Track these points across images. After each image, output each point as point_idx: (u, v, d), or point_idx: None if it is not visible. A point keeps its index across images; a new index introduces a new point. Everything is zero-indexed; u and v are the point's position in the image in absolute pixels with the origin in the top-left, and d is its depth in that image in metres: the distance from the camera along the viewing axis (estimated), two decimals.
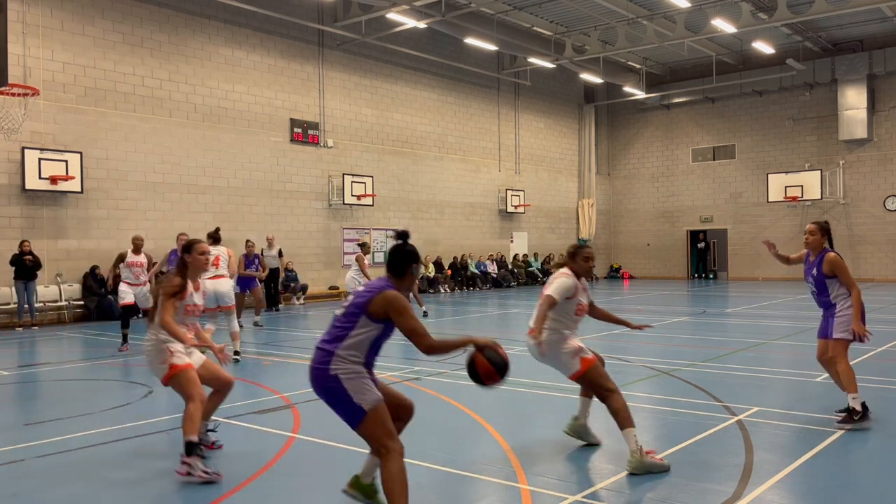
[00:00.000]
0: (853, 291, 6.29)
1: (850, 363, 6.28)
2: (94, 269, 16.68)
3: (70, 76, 16.69)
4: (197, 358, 5.49)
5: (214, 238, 10.46)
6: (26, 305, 15.09)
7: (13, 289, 15.42)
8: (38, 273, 15.21)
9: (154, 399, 7.76)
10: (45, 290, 16.03)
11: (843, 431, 6.04)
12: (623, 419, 5.15)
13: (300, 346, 12.04)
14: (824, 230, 6.55)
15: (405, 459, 3.93)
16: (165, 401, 7.63)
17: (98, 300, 16.62)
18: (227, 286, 10.06)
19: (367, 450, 4.96)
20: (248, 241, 15.51)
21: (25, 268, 14.86)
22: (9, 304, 15.58)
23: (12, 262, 14.85)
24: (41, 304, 15.86)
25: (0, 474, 5.29)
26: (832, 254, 6.42)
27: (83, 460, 5.68)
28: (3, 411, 7.45)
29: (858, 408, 6.20)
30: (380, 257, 22.88)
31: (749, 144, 30.69)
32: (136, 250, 11.75)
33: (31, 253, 15.00)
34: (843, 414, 6.30)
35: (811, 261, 6.57)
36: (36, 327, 15.28)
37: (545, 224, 30.66)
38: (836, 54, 27.81)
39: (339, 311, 4.13)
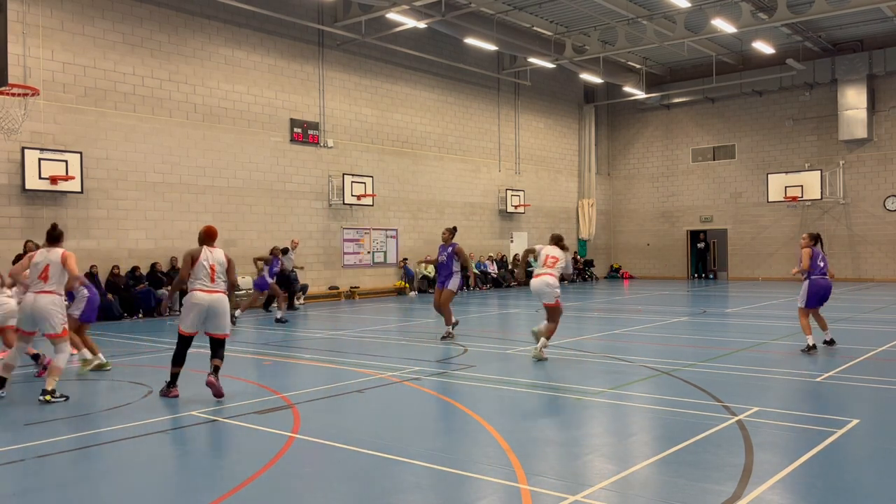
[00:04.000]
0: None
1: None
2: (92, 268, 16.66)
3: (70, 76, 16.69)
4: None
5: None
6: None
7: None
8: None
9: (154, 399, 7.76)
10: None
11: (842, 431, 6.07)
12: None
13: (300, 346, 12.03)
14: (814, 238, 10.64)
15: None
16: (165, 401, 7.63)
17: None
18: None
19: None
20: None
21: None
22: None
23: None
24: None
25: (0, 474, 5.29)
26: (806, 249, 10.55)
27: (83, 460, 5.67)
28: (3, 411, 7.44)
29: (811, 343, 10.17)
30: (379, 257, 23.71)
31: (749, 144, 30.68)
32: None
33: None
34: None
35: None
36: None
37: (545, 224, 30.65)
38: (836, 54, 27.81)
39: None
